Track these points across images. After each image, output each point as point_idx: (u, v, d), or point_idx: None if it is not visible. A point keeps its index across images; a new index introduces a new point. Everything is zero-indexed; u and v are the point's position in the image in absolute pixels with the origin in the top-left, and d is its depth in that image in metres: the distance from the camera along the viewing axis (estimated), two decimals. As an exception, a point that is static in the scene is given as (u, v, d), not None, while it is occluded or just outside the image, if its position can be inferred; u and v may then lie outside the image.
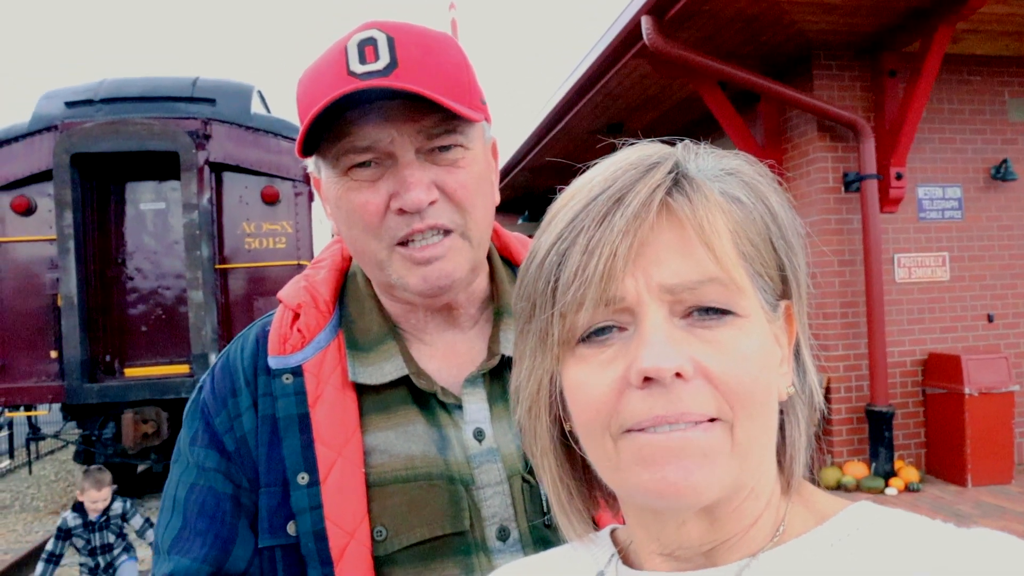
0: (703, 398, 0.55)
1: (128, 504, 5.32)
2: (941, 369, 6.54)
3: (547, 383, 0.64)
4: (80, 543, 5.18)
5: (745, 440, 0.57)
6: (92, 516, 5.17)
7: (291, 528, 0.94)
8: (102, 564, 5.22)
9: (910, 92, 6.22)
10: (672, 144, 0.65)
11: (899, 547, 0.57)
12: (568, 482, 0.69)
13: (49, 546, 5.14)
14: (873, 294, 6.45)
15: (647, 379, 0.55)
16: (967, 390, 6.22)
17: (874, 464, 6.37)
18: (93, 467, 5.42)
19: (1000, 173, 6.98)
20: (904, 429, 6.74)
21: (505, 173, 12.83)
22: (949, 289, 6.91)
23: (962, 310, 6.93)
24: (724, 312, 0.57)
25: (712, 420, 0.56)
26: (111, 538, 5.21)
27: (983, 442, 6.22)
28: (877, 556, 0.57)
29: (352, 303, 1.07)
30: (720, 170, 0.62)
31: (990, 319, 6.98)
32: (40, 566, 5.09)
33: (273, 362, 1.00)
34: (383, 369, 1.00)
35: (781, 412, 0.64)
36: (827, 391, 6.73)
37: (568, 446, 0.67)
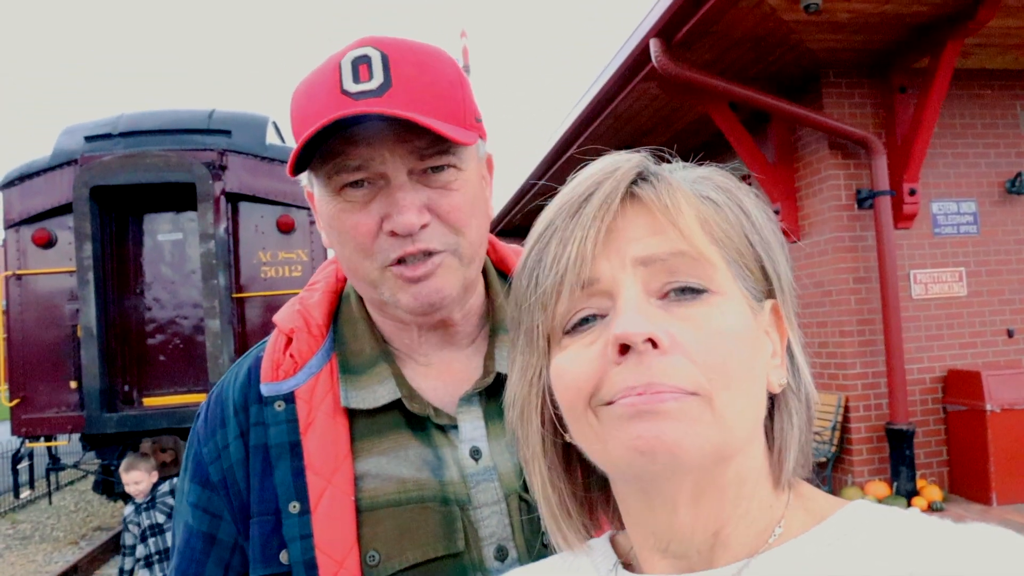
0: (679, 371, 0.57)
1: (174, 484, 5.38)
2: (961, 386, 6.46)
3: (536, 382, 0.66)
4: (136, 530, 5.25)
5: (725, 411, 0.57)
6: (138, 499, 5.26)
7: (284, 557, 0.94)
8: (153, 549, 5.21)
9: (921, 108, 6.21)
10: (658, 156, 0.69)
11: (897, 545, 0.57)
12: (560, 486, 0.70)
13: (121, 540, 5.38)
14: (890, 311, 6.41)
15: (624, 350, 0.57)
16: (989, 406, 6.14)
17: (895, 483, 6.28)
18: (135, 453, 5.52)
19: (1015, 186, 6.94)
20: (925, 447, 6.65)
21: (518, 199, 12.88)
22: (967, 304, 6.85)
23: (981, 325, 6.85)
24: (699, 291, 0.59)
25: (690, 394, 0.57)
26: (160, 518, 5.23)
27: (1007, 459, 6.12)
28: (875, 554, 0.57)
29: (345, 325, 1.06)
30: (693, 176, 0.66)
31: (1010, 334, 6.90)
32: (120, 559, 5.40)
33: (265, 389, 1.00)
34: (376, 393, 1.00)
35: (773, 402, 0.65)
36: (845, 410, 6.66)
37: (565, 452, 0.68)
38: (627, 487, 0.65)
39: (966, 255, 6.90)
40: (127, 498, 9.32)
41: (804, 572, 0.59)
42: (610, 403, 0.58)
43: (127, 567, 5.36)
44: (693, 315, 0.58)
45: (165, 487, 5.35)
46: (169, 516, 5.26)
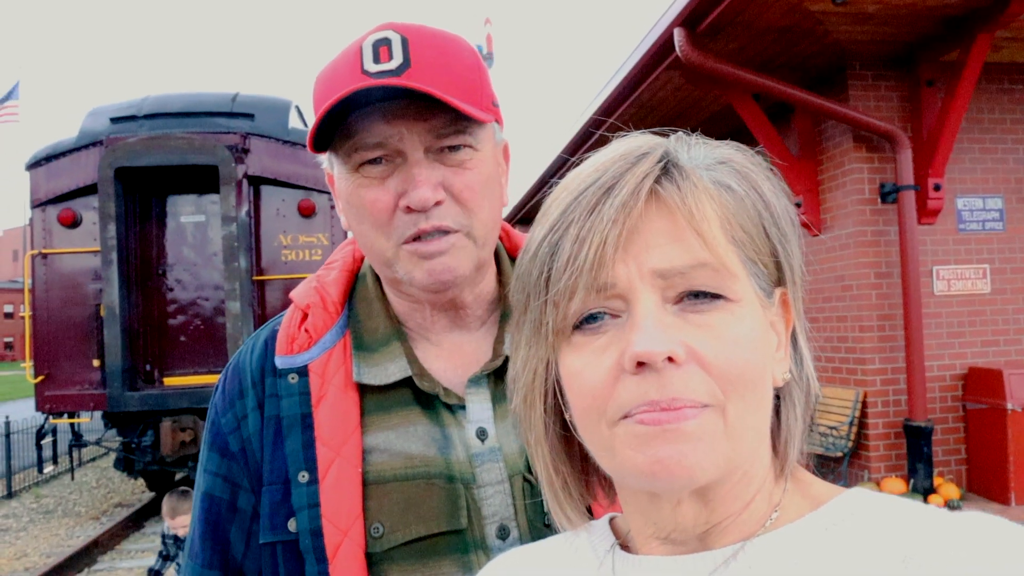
0: (695, 383, 0.57)
1: None
2: (982, 384, 6.39)
3: (542, 371, 0.66)
4: (173, 552, 5.22)
5: (737, 422, 0.58)
6: (180, 534, 5.15)
7: (292, 525, 0.97)
8: None
9: (948, 102, 6.12)
10: (665, 136, 0.67)
11: (892, 531, 0.58)
12: (563, 470, 0.70)
13: (160, 547, 5.35)
14: (911, 307, 6.34)
15: (640, 364, 0.56)
16: (1010, 405, 6.07)
17: (912, 480, 6.24)
18: (177, 490, 5.31)
19: (1043, 184, 6.83)
20: (944, 445, 6.60)
21: (539, 187, 12.86)
22: (990, 302, 6.76)
23: (1004, 323, 6.77)
24: (715, 296, 0.58)
25: (704, 406, 0.57)
26: None
27: (1027, 459, 6.06)
28: (870, 541, 0.58)
29: (360, 304, 1.09)
30: (711, 159, 0.64)
31: (1033, 333, 6.82)
32: (156, 560, 5.36)
33: (279, 362, 1.03)
34: (387, 370, 1.02)
35: (778, 397, 0.65)
36: (863, 405, 6.62)
37: (566, 435, 0.69)
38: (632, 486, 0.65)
39: (991, 252, 6.80)
40: (148, 475, 9.43)
41: (800, 555, 0.59)
42: (626, 416, 0.58)
43: (156, 567, 5.31)
44: (709, 322, 0.58)
45: None
46: None
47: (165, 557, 5.33)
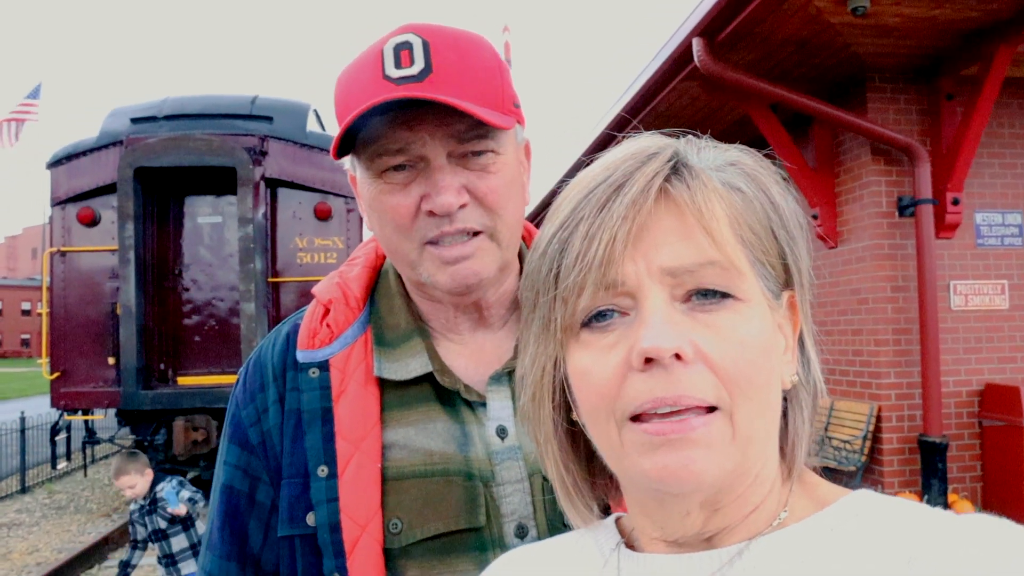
0: (702, 382, 0.56)
1: (170, 487, 5.03)
2: (999, 400, 6.33)
3: (551, 369, 0.65)
4: (142, 530, 5.12)
5: (745, 426, 0.58)
6: (136, 501, 5.03)
7: (310, 519, 0.97)
8: (160, 552, 5.07)
9: (968, 116, 6.09)
10: (675, 137, 0.67)
11: (897, 533, 0.58)
12: (573, 468, 0.70)
13: (132, 533, 5.27)
14: (927, 321, 6.29)
15: (648, 361, 0.56)
16: (1026, 423, 6.01)
17: (926, 497, 6.18)
18: (126, 450, 5.20)
19: (1064, 200, 6.77)
20: (959, 461, 6.53)
21: (555, 194, 12.88)
22: (1008, 318, 6.70)
23: (1022, 340, 6.70)
24: (724, 295, 0.58)
25: (711, 410, 0.57)
26: (162, 524, 5.06)
27: (1043, 478, 5.99)
28: (875, 541, 0.58)
29: (382, 300, 1.09)
30: (721, 161, 0.64)
31: (1052, 350, 6.74)
32: (127, 551, 5.31)
33: (301, 356, 1.03)
34: (408, 365, 1.02)
35: (785, 400, 0.65)
36: (878, 419, 6.56)
37: (573, 433, 0.69)
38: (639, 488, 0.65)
39: (1009, 267, 6.75)
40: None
41: (804, 555, 0.59)
42: (635, 418, 0.58)
43: (134, 561, 5.24)
44: (716, 322, 0.58)
45: (163, 488, 5.03)
46: (170, 522, 5.05)
47: (134, 544, 5.22)
